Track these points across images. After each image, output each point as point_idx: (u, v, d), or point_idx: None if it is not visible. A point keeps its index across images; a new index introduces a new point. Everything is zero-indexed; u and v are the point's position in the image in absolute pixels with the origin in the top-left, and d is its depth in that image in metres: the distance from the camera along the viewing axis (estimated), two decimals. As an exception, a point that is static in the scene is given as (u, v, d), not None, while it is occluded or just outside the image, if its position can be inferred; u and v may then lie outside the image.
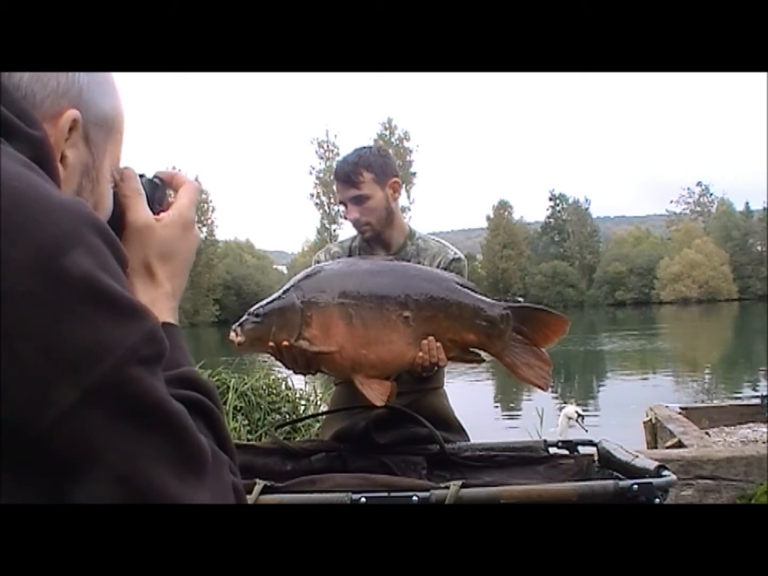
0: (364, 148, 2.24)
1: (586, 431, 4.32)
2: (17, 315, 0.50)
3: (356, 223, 2.18)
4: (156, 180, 0.83)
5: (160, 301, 0.75)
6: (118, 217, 0.76)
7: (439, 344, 1.83)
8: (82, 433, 0.51)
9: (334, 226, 62.24)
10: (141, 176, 0.80)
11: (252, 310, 1.82)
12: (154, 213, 0.78)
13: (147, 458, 0.54)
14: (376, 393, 1.81)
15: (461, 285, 1.90)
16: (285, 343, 1.78)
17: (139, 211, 0.77)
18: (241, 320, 1.82)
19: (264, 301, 1.84)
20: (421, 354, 1.82)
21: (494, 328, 1.86)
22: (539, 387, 1.88)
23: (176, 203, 0.81)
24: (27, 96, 0.64)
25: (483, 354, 1.94)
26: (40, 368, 0.50)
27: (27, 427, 0.50)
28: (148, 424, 0.55)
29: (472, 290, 1.90)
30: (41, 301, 0.51)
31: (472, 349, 1.92)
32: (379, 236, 2.21)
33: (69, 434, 0.51)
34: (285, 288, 1.85)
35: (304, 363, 1.82)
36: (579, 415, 4.35)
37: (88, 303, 0.53)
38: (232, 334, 1.80)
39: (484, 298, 1.89)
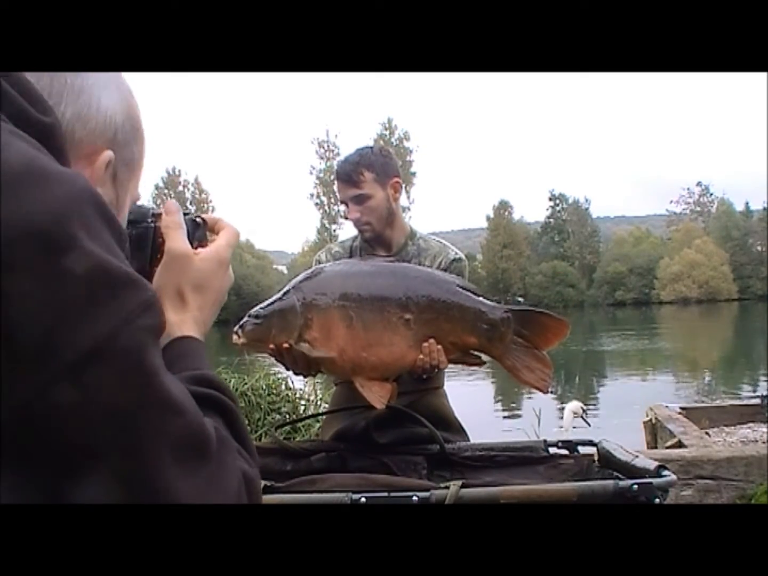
0: (366, 147, 2.24)
1: (589, 425, 4.41)
2: (6, 284, 0.49)
3: (357, 223, 2.18)
4: (198, 219, 0.86)
5: (188, 322, 0.77)
6: (158, 247, 0.80)
7: (439, 347, 1.83)
8: (75, 408, 0.50)
9: (334, 226, 62.27)
10: (185, 214, 0.83)
11: (252, 311, 1.82)
12: (192, 248, 0.81)
13: (143, 437, 0.53)
14: (377, 395, 1.81)
15: (462, 287, 1.90)
16: (285, 345, 1.78)
17: (178, 241, 0.79)
18: (241, 322, 1.82)
19: (264, 303, 1.84)
20: (421, 356, 1.82)
21: (495, 331, 1.85)
22: (540, 390, 1.88)
23: (215, 242, 0.84)
24: (66, 134, 0.65)
25: (483, 356, 1.94)
26: (32, 338, 0.49)
27: (18, 397, 0.49)
28: (146, 398, 0.54)
29: (473, 293, 1.90)
30: (31, 271, 0.50)
31: (472, 352, 1.91)
32: (380, 236, 2.21)
33: (61, 409, 0.50)
34: (285, 289, 1.84)
35: (305, 364, 1.82)
36: (582, 410, 4.47)
37: (79, 273, 0.52)
38: (234, 336, 1.80)
39: (485, 300, 1.89)
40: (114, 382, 0.52)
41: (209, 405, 0.64)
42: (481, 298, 1.89)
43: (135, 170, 0.76)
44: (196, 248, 0.82)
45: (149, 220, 0.82)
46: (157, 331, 0.57)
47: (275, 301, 1.82)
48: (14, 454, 0.50)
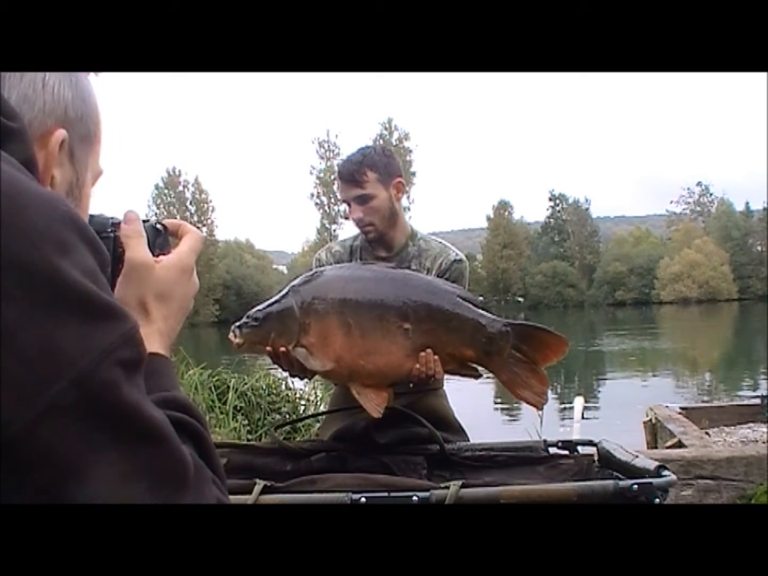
0: (369, 147, 2.23)
1: (584, 418, 4.64)
2: None
3: (359, 223, 2.17)
4: (159, 226, 0.84)
5: (153, 336, 0.74)
6: (119, 257, 0.77)
7: (436, 357, 1.81)
8: (54, 438, 0.50)
9: (334, 226, 62.28)
10: (145, 221, 0.81)
11: (251, 313, 1.82)
12: (154, 256, 0.78)
13: (122, 467, 0.53)
14: (373, 404, 1.81)
15: (463, 298, 1.88)
16: (282, 348, 1.78)
17: (139, 250, 0.77)
18: (239, 322, 1.82)
19: (263, 305, 1.83)
20: (418, 366, 1.81)
21: (493, 344, 1.84)
22: (534, 406, 1.87)
23: (177, 249, 0.81)
24: None
25: (480, 368, 1.93)
26: (11, 368, 0.49)
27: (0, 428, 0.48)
28: (125, 431, 0.53)
29: (474, 304, 1.89)
30: (10, 299, 0.49)
31: (469, 364, 1.90)
32: (383, 236, 2.20)
33: (41, 439, 0.49)
34: (284, 292, 1.84)
35: (300, 368, 1.81)
36: (585, 401, 4.75)
37: (59, 302, 0.51)
38: (231, 335, 1.81)
39: (485, 313, 1.87)
40: (92, 416, 0.51)
41: (181, 430, 0.63)
42: (481, 311, 1.87)
43: (93, 145, 0.73)
44: (157, 256, 0.79)
45: (109, 230, 0.80)
46: (137, 362, 0.56)
47: (273, 303, 1.81)
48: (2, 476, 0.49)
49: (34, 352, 0.49)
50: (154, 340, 0.74)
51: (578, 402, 4.78)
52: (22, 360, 0.49)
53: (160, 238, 0.83)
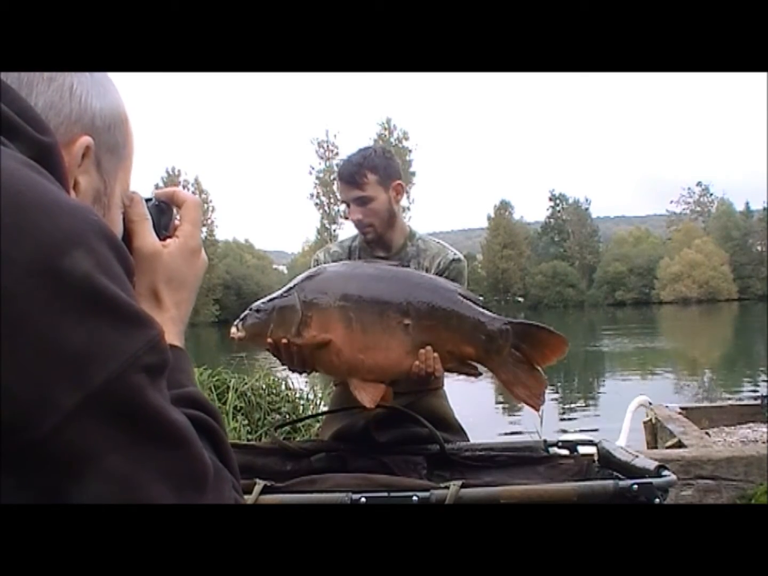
0: (368, 148, 2.24)
1: (650, 408, 4.54)
2: (16, 316, 0.49)
3: (359, 224, 2.19)
4: (162, 204, 0.83)
5: (167, 325, 0.74)
6: (125, 243, 0.76)
7: (436, 354, 1.82)
8: (79, 441, 0.50)
9: (334, 226, 62.31)
10: (147, 200, 0.81)
11: (253, 305, 1.85)
12: (160, 238, 0.79)
13: (145, 470, 0.53)
14: (369, 395, 1.81)
15: (464, 296, 1.89)
16: (283, 340, 1.79)
17: (146, 237, 0.77)
18: (242, 315, 1.84)
19: (266, 298, 1.86)
20: (417, 363, 1.81)
21: (493, 342, 1.85)
22: (531, 407, 1.87)
23: (182, 229, 0.81)
24: None
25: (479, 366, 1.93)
26: (40, 371, 0.49)
27: (25, 429, 0.49)
28: (149, 435, 0.54)
29: (475, 302, 1.89)
30: (41, 303, 0.50)
31: (469, 362, 1.91)
32: (381, 237, 2.21)
33: (66, 441, 0.50)
34: (287, 287, 1.86)
35: (301, 361, 1.82)
36: (650, 403, 4.61)
37: (89, 307, 0.52)
38: (233, 329, 1.84)
39: (485, 311, 1.88)
40: (117, 420, 0.52)
41: (197, 428, 0.63)
42: (481, 309, 1.88)
43: (122, 158, 0.74)
44: (164, 238, 0.79)
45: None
46: (161, 368, 0.57)
47: (276, 297, 1.84)
48: (12, 458, 0.50)
49: (62, 356, 0.50)
50: (168, 330, 0.73)
51: (637, 402, 4.65)
52: (50, 364, 0.50)
53: (165, 218, 0.82)
